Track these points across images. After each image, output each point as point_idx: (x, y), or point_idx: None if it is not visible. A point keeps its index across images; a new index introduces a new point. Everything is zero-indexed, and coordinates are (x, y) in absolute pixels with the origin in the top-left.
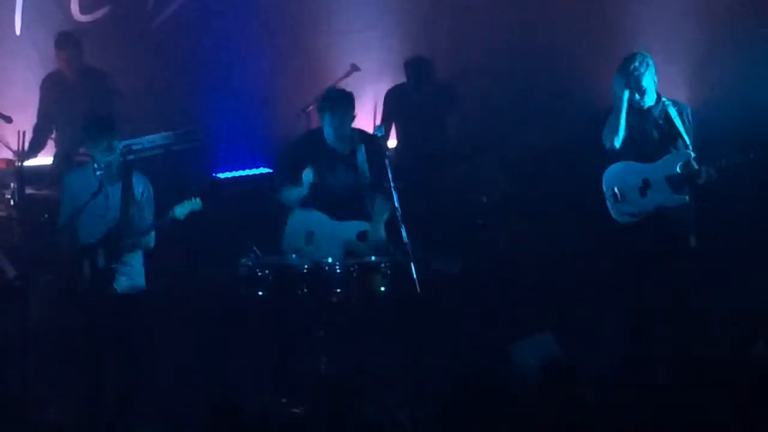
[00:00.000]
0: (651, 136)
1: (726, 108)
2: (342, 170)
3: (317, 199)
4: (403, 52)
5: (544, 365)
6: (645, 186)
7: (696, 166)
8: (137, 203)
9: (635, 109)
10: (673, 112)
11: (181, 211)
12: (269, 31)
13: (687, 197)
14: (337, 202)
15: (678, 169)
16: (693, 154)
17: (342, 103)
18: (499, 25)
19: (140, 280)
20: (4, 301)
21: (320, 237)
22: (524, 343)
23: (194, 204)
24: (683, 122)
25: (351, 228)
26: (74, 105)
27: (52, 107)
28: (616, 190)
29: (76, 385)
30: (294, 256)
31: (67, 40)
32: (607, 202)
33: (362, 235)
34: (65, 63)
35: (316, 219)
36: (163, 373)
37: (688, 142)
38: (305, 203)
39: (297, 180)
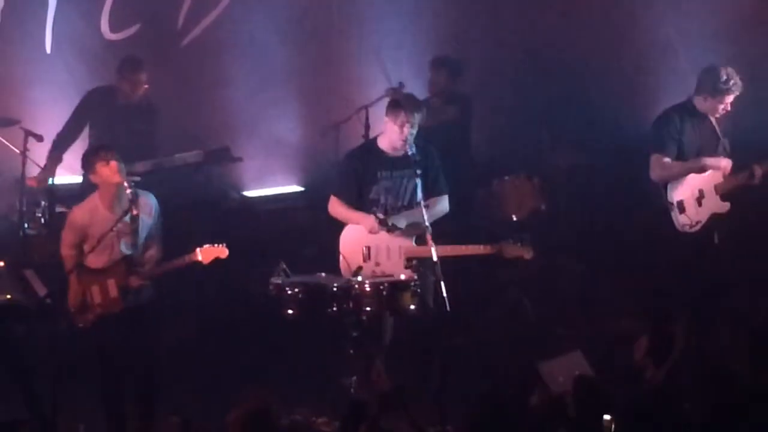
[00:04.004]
0: (705, 143)
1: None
2: (393, 177)
3: (365, 210)
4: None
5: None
6: (700, 196)
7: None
8: (147, 227)
9: (699, 117)
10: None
11: (206, 256)
12: (299, 50)
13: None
14: (386, 210)
15: (721, 177)
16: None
17: (419, 113)
18: (529, 45)
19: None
20: (35, 319)
21: (378, 250)
22: (553, 362)
23: (220, 252)
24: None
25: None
26: (125, 127)
27: (88, 120)
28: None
29: (103, 401)
30: (323, 274)
31: (142, 65)
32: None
33: (420, 239)
34: (135, 86)
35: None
36: (194, 389)
37: (728, 147)
38: None
39: (354, 197)
